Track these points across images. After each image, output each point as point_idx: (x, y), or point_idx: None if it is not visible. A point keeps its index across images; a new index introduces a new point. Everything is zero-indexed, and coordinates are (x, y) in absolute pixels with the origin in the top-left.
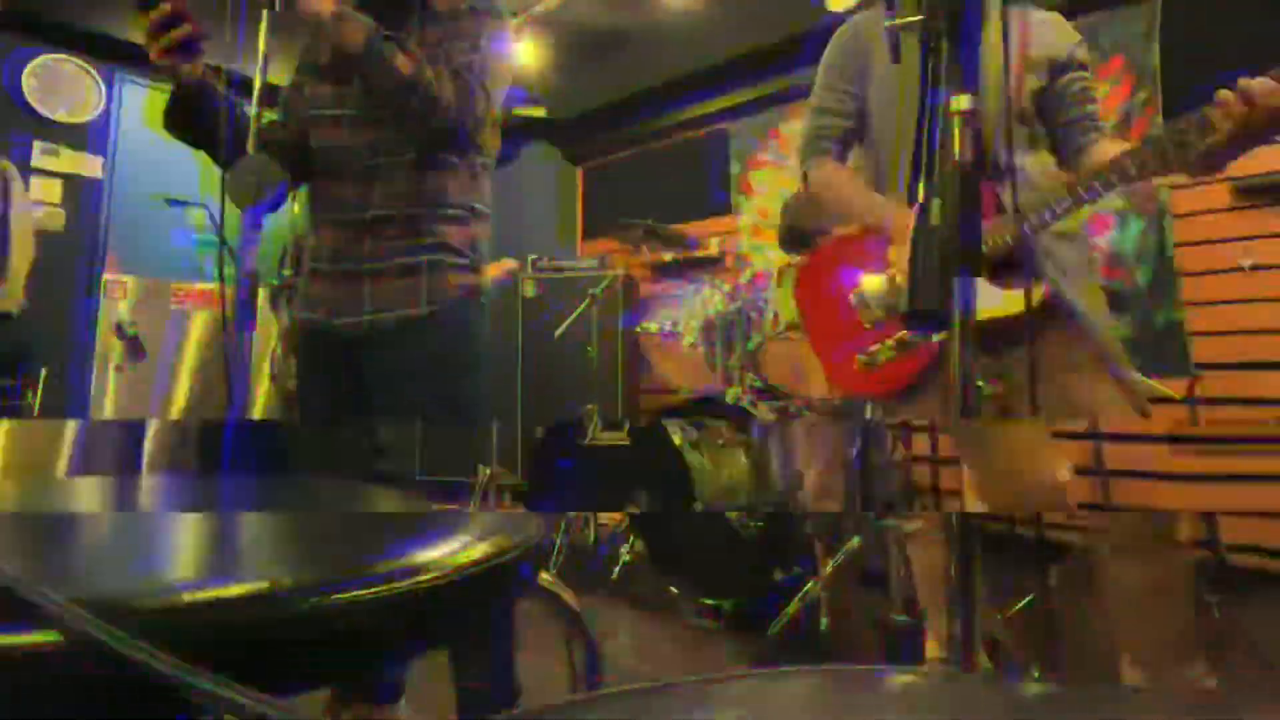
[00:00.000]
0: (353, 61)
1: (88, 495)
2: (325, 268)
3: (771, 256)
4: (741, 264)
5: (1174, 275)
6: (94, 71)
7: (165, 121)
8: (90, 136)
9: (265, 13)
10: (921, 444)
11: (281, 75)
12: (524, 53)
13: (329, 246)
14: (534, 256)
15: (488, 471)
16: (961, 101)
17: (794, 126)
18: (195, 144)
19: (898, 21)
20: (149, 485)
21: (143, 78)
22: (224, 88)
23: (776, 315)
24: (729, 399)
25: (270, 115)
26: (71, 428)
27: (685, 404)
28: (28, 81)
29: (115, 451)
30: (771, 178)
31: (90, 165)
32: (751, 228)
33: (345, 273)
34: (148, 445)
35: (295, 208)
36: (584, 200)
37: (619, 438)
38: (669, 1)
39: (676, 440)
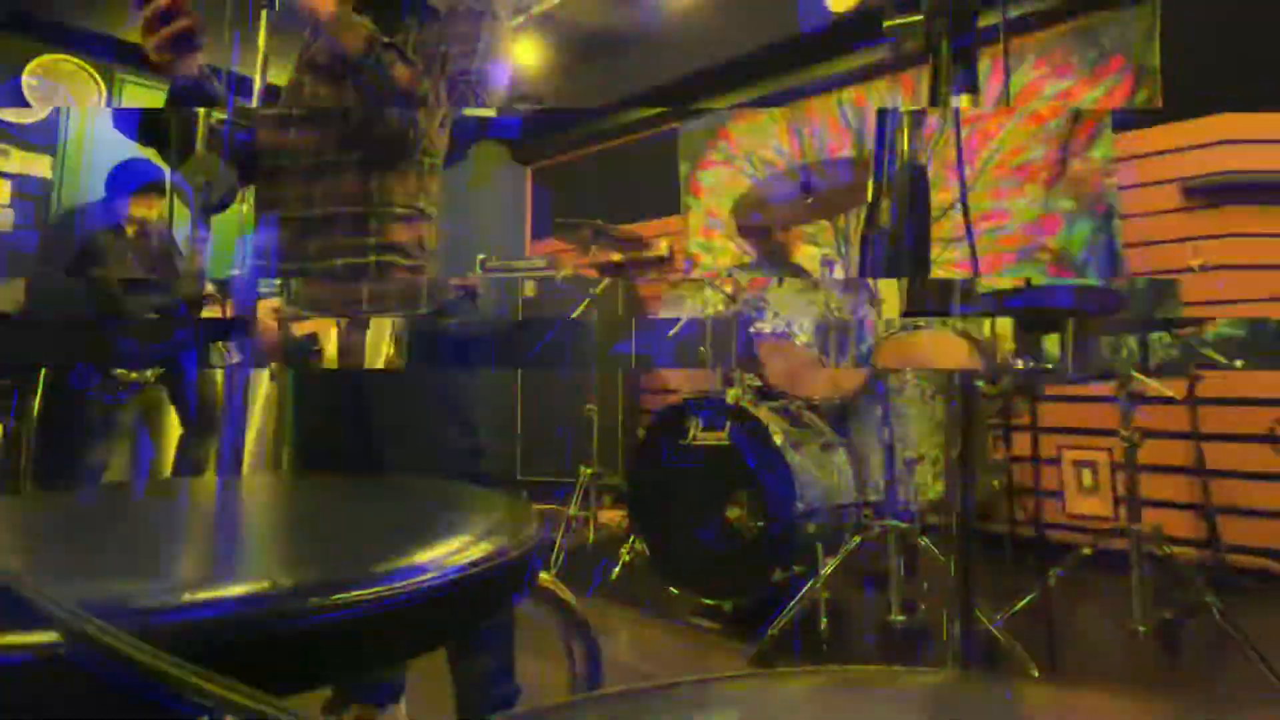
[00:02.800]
0: (351, 67)
1: (117, 494)
2: (271, 266)
3: (719, 257)
4: (690, 264)
5: (1126, 274)
6: (94, 71)
7: (141, 132)
8: (40, 138)
9: (264, 13)
10: (1022, 444)
11: (281, 77)
12: (525, 52)
13: (274, 246)
14: (482, 256)
15: (588, 472)
16: (962, 101)
17: (741, 127)
18: (153, 145)
19: (898, 22)
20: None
21: (146, 79)
22: (221, 88)
23: (776, 314)
24: (729, 399)
25: (220, 115)
26: None
27: (684, 404)
28: (28, 81)
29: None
30: (720, 178)
31: (40, 165)
32: (701, 227)
33: (290, 272)
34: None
35: (244, 209)
36: (532, 200)
37: (719, 437)
38: (670, 2)
39: (777, 440)
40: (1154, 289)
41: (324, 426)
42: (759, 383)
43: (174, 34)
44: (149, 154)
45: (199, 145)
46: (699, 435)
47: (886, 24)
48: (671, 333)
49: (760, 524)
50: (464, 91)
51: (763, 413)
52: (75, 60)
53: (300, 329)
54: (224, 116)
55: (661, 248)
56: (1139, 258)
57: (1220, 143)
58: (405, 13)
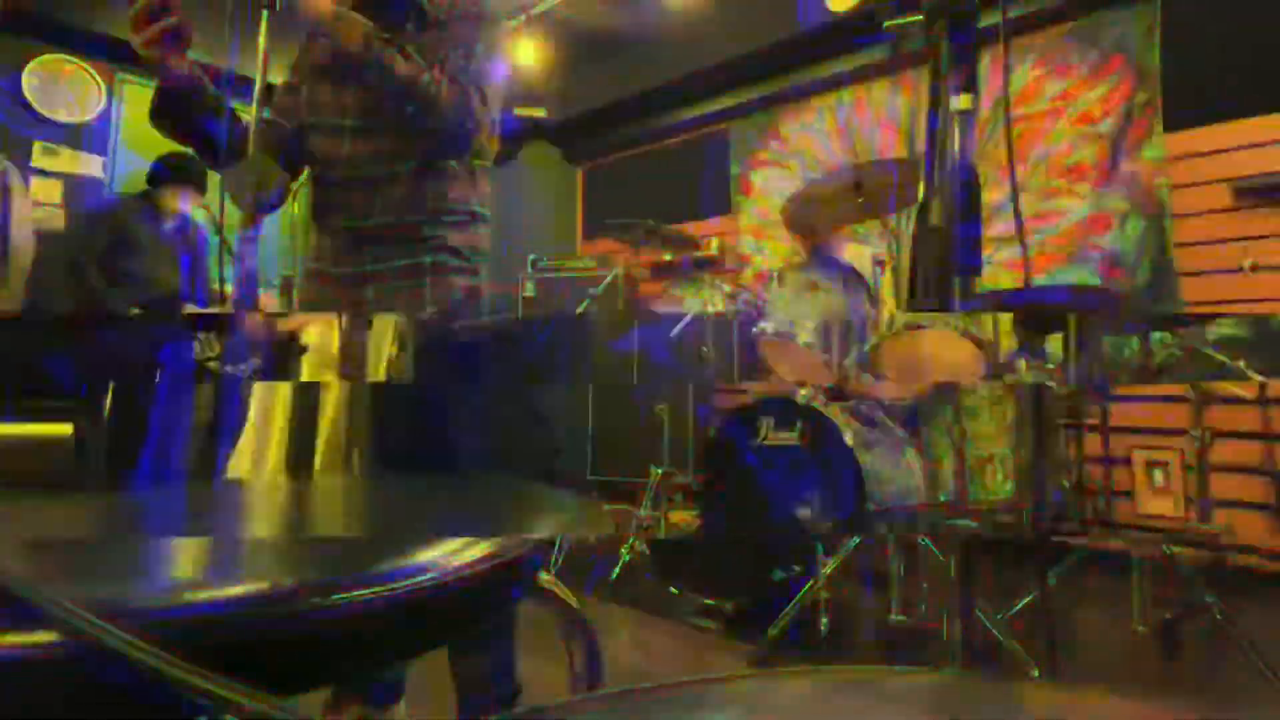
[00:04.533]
0: (351, 63)
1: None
2: (327, 270)
3: (771, 256)
4: (742, 264)
5: (1174, 275)
6: (94, 71)
7: (152, 117)
8: (89, 136)
9: (265, 13)
10: (1093, 444)
11: (279, 78)
12: (525, 52)
13: (330, 250)
14: (533, 257)
15: (659, 472)
16: (962, 101)
17: (793, 127)
18: (183, 141)
19: (898, 22)
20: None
21: (143, 77)
22: (214, 86)
23: (892, 316)
24: (800, 399)
25: (268, 115)
26: None
27: (755, 404)
28: (28, 81)
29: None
30: (771, 177)
31: (89, 165)
32: (752, 228)
33: (347, 276)
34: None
35: (294, 208)
36: (584, 201)
37: (790, 438)
38: (670, 2)
39: (849, 440)
40: (1154, 287)
41: (397, 428)
42: (875, 382)
43: (163, 31)
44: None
45: (250, 146)
46: (770, 435)
47: (886, 24)
48: (773, 330)
49: (831, 525)
50: (464, 92)
51: (833, 412)
52: (75, 60)
53: (286, 326)
54: (265, 116)
55: (712, 247)
56: (1190, 258)
57: (1273, 143)
58: (403, 16)
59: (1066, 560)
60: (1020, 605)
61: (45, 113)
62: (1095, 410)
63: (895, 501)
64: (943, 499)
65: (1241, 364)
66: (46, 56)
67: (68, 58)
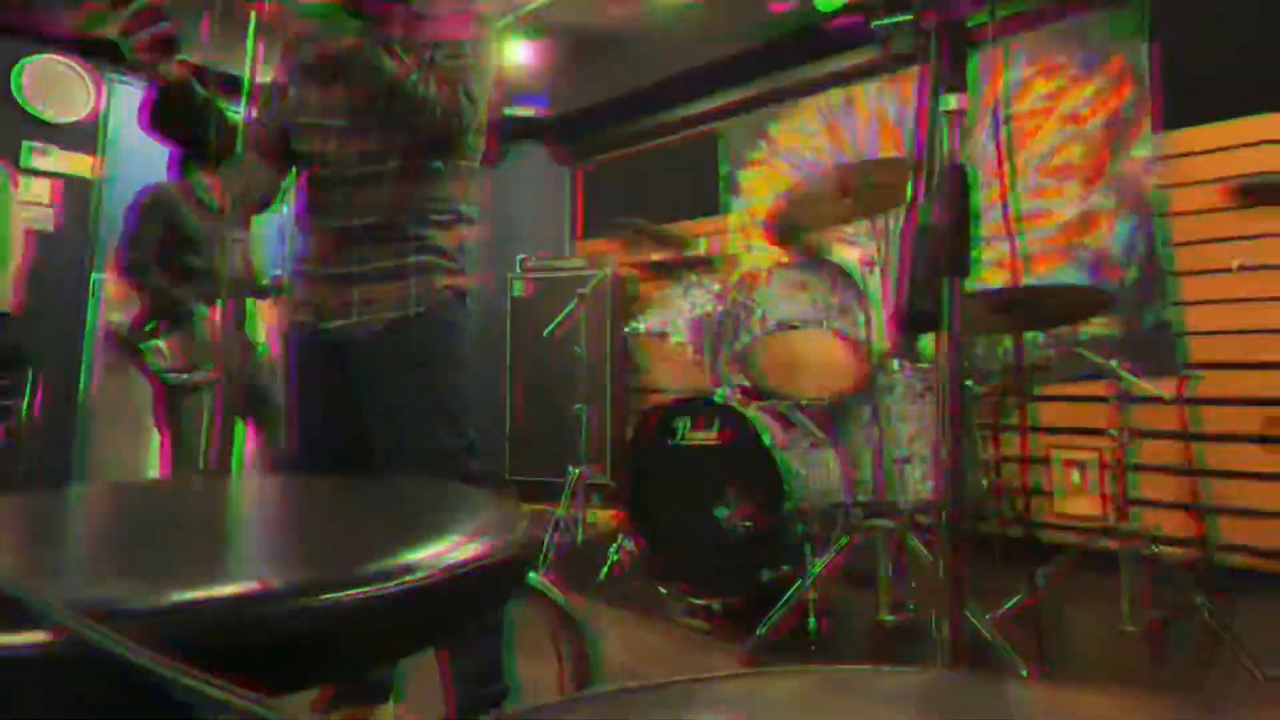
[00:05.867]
0: (341, 63)
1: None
2: (313, 270)
3: (759, 256)
4: (731, 263)
5: (1163, 275)
6: (85, 71)
7: (147, 120)
8: (79, 136)
9: (253, 13)
10: (1013, 443)
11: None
12: (514, 52)
13: (316, 250)
14: (523, 256)
15: (577, 471)
16: (951, 101)
17: (782, 127)
18: (173, 142)
19: (886, 21)
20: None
21: (133, 77)
22: (207, 92)
23: (765, 314)
24: (718, 399)
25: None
26: None
27: (676, 404)
28: (17, 80)
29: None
30: (761, 177)
31: (79, 164)
32: (741, 228)
33: (334, 276)
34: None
35: (283, 209)
36: (573, 201)
37: (709, 438)
38: (659, 2)
39: (766, 440)
40: (1144, 287)
41: (316, 427)
42: (747, 382)
43: (154, 39)
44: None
45: (239, 146)
46: (688, 435)
47: (874, 23)
48: (646, 329)
49: (749, 524)
50: (453, 92)
51: (751, 412)
52: (65, 61)
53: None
54: (259, 116)
55: (700, 247)
56: (1185, 257)
57: (1266, 142)
58: (392, 15)
59: (1055, 560)
60: (1009, 605)
61: (35, 112)
62: (1015, 410)
63: (813, 501)
64: (860, 498)
65: (1113, 363)
66: (37, 55)
67: (58, 57)
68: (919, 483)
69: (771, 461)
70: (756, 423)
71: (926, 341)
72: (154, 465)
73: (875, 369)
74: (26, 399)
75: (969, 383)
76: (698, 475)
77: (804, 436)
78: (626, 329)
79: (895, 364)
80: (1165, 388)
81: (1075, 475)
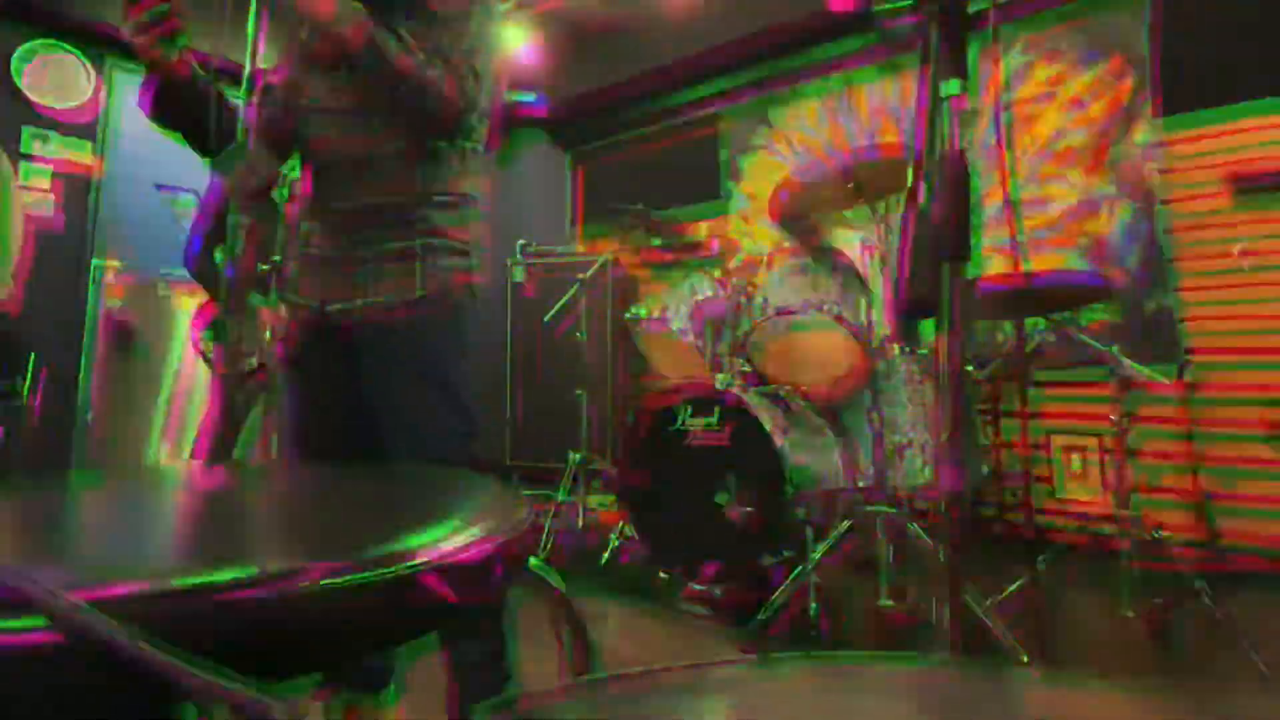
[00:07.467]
0: (349, 53)
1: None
2: (316, 254)
3: (761, 243)
4: (731, 250)
5: (1164, 262)
6: (85, 59)
7: (151, 111)
8: (79, 123)
9: (256, 2)
10: (1013, 430)
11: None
12: (516, 40)
13: (320, 235)
14: (522, 242)
15: (576, 457)
16: (951, 87)
17: (783, 114)
18: (180, 132)
19: (887, 8)
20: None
21: (133, 64)
22: (206, 76)
23: (766, 301)
24: (719, 385)
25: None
26: None
27: (675, 391)
28: (17, 67)
29: None
30: (762, 164)
31: (80, 153)
32: (742, 215)
33: (337, 260)
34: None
35: (283, 193)
36: (574, 188)
37: (709, 425)
38: None
39: (766, 427)
40: (1145, 274)
41: (321, 416)
42: (749, 369)
43: (161, 30)
44: (174, 137)
45: (239, 132)
46: (688, 422)
47: (876, 9)
48: (646, 316)
49: (749, 510)
50: (458, 77)
51: (752, 399)
52: (66, 46)
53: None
54: (261, 102)
55: (701, 234)
56: (1187, 246)
57: (1269, 130)
58: (397, 6)
59: (1056, 547)
60: (1010, 591)
61: (35, 99)
62: (1016, 397)
63: (813, 487)
64: (861, 484)
65: (1114, 349)
66: (36, 42)
67: (58, 44)
68: (919, 469)
69: (771, 448)
70: (758, 409)
71: (927, 327)
72: (162, 452)
73: (875, 356)
74: (26, 389)
75: (969, 369)
76: (698, 462)
77: (804, 423)
78: (627, 316)
79: (895, 350)
80: (1168, 378)
81: (1076, 462)
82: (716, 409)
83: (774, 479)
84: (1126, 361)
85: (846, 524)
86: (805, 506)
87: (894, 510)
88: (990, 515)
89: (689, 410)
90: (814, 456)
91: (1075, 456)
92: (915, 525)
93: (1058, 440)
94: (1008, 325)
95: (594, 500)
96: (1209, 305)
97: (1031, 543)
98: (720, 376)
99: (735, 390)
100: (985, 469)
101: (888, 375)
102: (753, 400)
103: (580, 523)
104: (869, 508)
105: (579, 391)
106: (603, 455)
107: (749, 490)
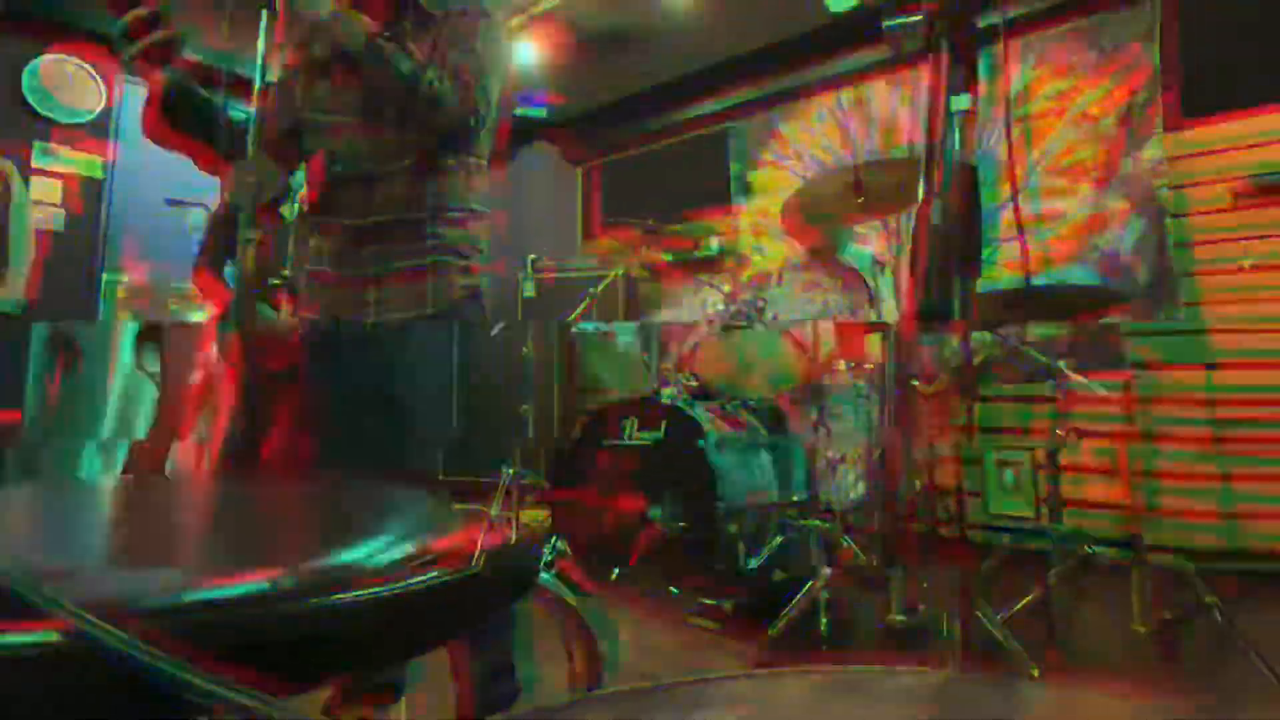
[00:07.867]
0: (353, 60)
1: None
2: (328, 270)
3: (771, 256)
4: (741, 263)
5: (1174, 274)
6: (94, 71)
7: (149, 127)
8: (90, 136)
9: (264, 13)
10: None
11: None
12: (525, 51)
13: (330, 250)
14: (533, 256)
15: (510, 472)
16: (961, 101)
17: (793, 126)
18: (179, 144)
19: (898, 22)
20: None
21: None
22: (206, 87)
23: (776, 314)
24: (665, 399)
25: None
26: None
27: (623, 404)
28: (28, 80)
29: None
30: (772, 177)
31: (90, 165)
32: (751, 227)
33: (348, 276)
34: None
35: (294, 208)
36: (584, 200)
37: (645, 439)
38: (670, 1)
39: (700, 441)
40: (1154, 287)
41: (326, 424)
42: (695, 383)
43: (152, 46)
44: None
45: (250, 146)
46: (629, 436)
47: (886, 23)
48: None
49: (682, 525)
50: (465, 88)
51: (698, 412)
52: (75, 60)
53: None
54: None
55: (710, 246)
56: (1196, 253)
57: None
58: (404, 12)
59: (1067, 560)
60: (1020, 605)
61: (44, 112)
62: (961, 410)
63: (745, 501)
64: (794, 498)
65: (1061, 364)
66: (46, 55)
67: (67, 56)
68: (851, 483)
69: (707, 463)
70: (700, 423)
71: (873, 341)
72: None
73: (820, 370)
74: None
75: (914, 383)
76: (636, 476)
77: (743, 436)
78: (574, 329)
79: (841, 365)
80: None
81: (1009, 475)
82: (663, 421)
83: (708, 493)
84: (1074, 375)
85: (779, 539)
86: (737, 520)
87: (826, 525)
88: (923, 529)
89: (634, 423)
90: (748, 472)
91: (1008, 470)
92: (848, 539)
93: (989, 455)
94: (954, 340)
95: (526, 514)
96: (1229, 320)
97: (965, 554)
98: (666, 390)
99: (679, 404)
100: (918, 483)
101: (832, 389)
102: (696, 415)
103: (513, 537)
104: (802, 522)
105: (525, 407)
106: (537, 469)
107: (681, 504)
